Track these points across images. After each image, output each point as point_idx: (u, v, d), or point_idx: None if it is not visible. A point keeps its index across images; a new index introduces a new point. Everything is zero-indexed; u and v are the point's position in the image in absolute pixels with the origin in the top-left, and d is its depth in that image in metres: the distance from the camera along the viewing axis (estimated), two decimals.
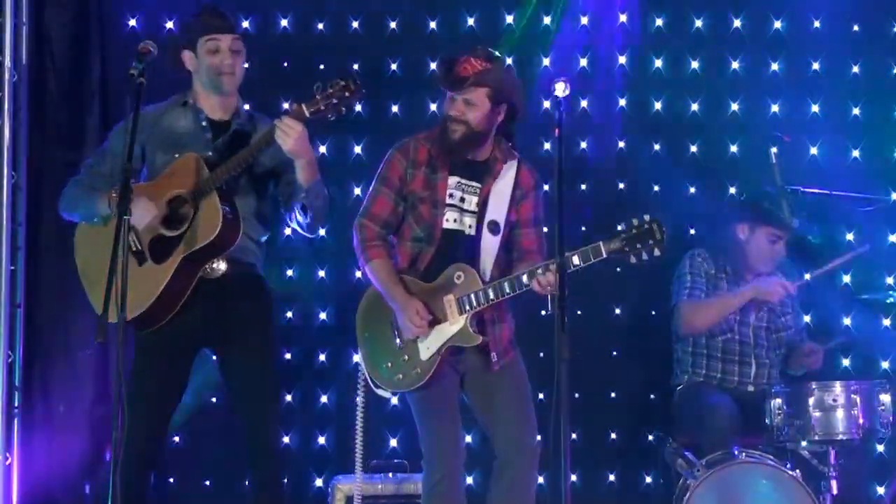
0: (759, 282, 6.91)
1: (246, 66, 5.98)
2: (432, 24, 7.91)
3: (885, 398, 6.61)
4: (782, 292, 6.88)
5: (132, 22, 7.77)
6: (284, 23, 7.89)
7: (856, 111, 7.88)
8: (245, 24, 7.75)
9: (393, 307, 5.60)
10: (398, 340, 5.63)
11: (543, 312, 6.25)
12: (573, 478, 6.08)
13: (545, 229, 5.88)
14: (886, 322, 7.70)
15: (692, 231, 7.64)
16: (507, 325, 5.75)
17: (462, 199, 5.69)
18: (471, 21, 7.92)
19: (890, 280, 7.51)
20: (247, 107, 6.08)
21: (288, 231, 7.68)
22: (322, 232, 7.53)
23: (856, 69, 7.88)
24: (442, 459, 5.64)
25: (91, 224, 5.83)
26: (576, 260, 5.35)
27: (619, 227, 5.33)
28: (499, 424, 5.70)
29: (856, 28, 7.93)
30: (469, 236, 5.68)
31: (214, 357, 5.96)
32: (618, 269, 7.27)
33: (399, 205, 5.71)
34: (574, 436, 6.55)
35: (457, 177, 5.70)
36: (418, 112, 7.82)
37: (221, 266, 5.72)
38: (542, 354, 6.90)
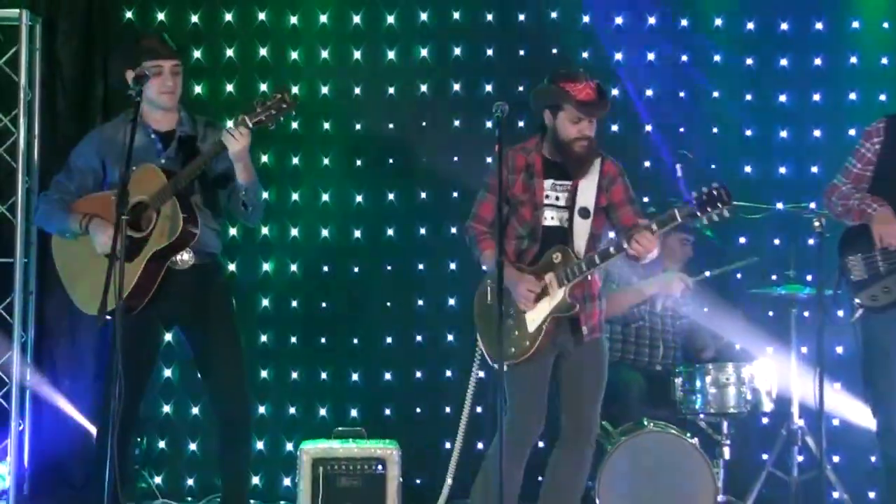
0: (662, 278, 6.94)
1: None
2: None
3: (769, 377, 6.71)
4: (682, 286, 6.92)
5: None
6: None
7: (748, 132, 7.89)
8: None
9: (508, 286, 5.46)
10: (510, 320, 5.56)
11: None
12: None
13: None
14: (771, 313, 7.72)
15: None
16: (598, 306, 5.71)
17: (557, 198, 5.65)
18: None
19: (774, 277, 7.52)
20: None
21: (265, 230, 7.71)
22: (294, 232, 7.56)
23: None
24: (521, 429, 5.64)
25: (63, 237, 5.84)
26: (654, 227, 5.38)
27: (693, 195, 5.36)
28: (574, 405, 5.71)
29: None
30: (565, 228, 5.65)
31: (184, 336, 5.96)
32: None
33: (502, 207, 5.58)
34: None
35: (551, 179, 5.67)
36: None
37: (187, 258, 5.71)
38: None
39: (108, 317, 5.12)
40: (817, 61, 7.86)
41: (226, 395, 5.85)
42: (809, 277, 7.30)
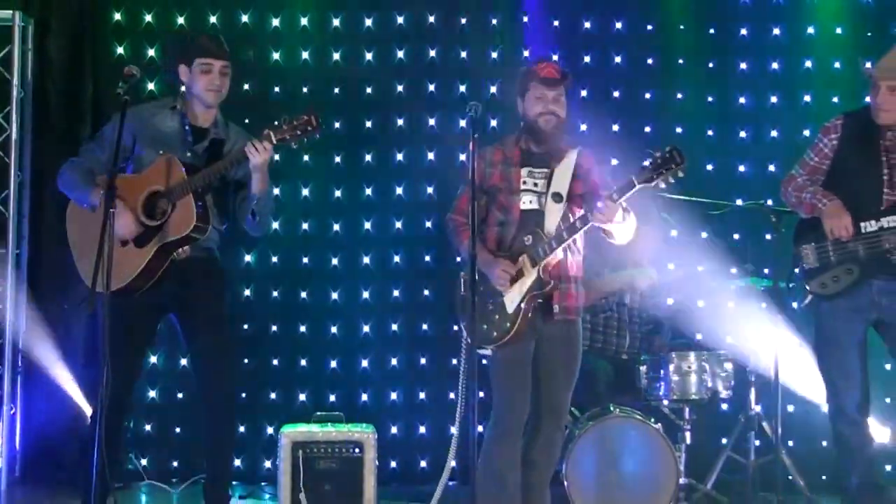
0: (629, 273, 6.99)
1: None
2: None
3: (728, 366, 6.76)
4: (648, 282, 6.97)
5: (119, 49, 7.78)
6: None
7: (710, 132, 7.98)
8: None
9: (484, 270, 5.51)
10: (490, 305, 5.55)
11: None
12: (479, 428, 6.15)
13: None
14: (731, 304, 7.78)
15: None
16: (574, 289, 5.66)
17: (535, 184, 5.64)
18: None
19: (734, 270, 7.59)
20: None
21: None
22: (275, 225, 7.60)
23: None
24: (508, 416, 5.60)
25: (80, 206, 5.80)
26: (615, 196, 5.36)
27: (646, 162, 5.34)
28: (546, 390, 5.66)
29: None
30: (541, 211, 5.62)
31: (177, 322, 5.94)
32: None
33: (481, 199, 5.60)
34: (481, 394, 6.56)
35: (528, 167, 5.66)
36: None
37: (187, 250, 5.74)
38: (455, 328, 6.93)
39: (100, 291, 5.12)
40: (774, 65, 7.99)
41: (212, 381, 5.87)
42: (767, 270, 7.38)
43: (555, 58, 7.64)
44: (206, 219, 5.70)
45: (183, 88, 5.91)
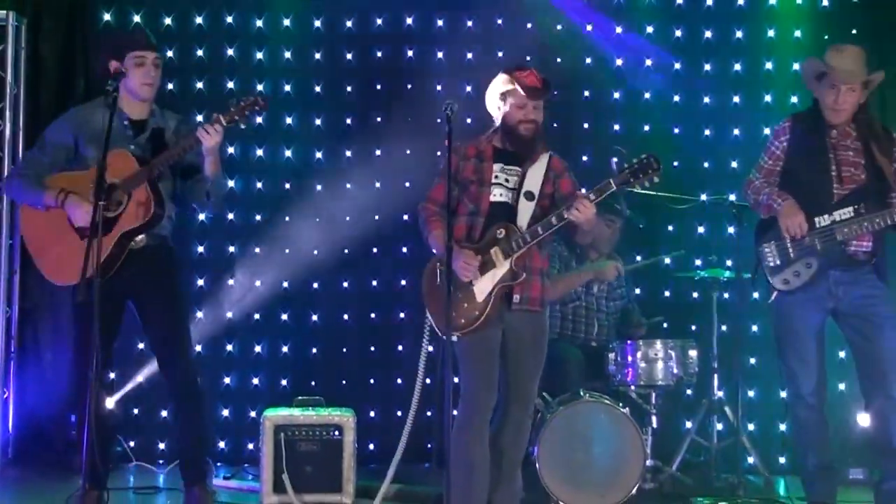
0: (598, 265, 7.05)
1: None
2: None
3: (693, 353, 6.84)
4: (615, 273, 7.03)
5: None
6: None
7: (676, 130, 8.08)
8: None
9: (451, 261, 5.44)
10: (459, 294, 5.51)
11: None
12: (454, 412, 6.20)
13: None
14: (695, 294, 7.89)
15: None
16: (539, 280, 5.65)
17: (506, 180, 5.64)
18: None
19: (698, 262, 7.68)
20: None
21: (231, 216, 7.77)
22: (258, 217, 7.64)
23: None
24: (476, 400, 5.56)
25: (34, 209, 5.77)
26: (592, 196, 5.40)
27: (624, 166, 5.43)
28: (513, 378, 5.65)
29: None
30: (511, 206, 5.62)
31: (135, 309, 5.88)
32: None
33: (453, 189, 5.52)
34: (456, 379, 6.62)
35: (500, 163, 5.66)
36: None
37: (143, 238, 5.73)
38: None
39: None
40: (737, 66, 8.08)
41: (173, 366, 5.86)
42: (730, 262, 7.49)
43: (528, 58, 7.76)
44: (162, 206, 5.70)
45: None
